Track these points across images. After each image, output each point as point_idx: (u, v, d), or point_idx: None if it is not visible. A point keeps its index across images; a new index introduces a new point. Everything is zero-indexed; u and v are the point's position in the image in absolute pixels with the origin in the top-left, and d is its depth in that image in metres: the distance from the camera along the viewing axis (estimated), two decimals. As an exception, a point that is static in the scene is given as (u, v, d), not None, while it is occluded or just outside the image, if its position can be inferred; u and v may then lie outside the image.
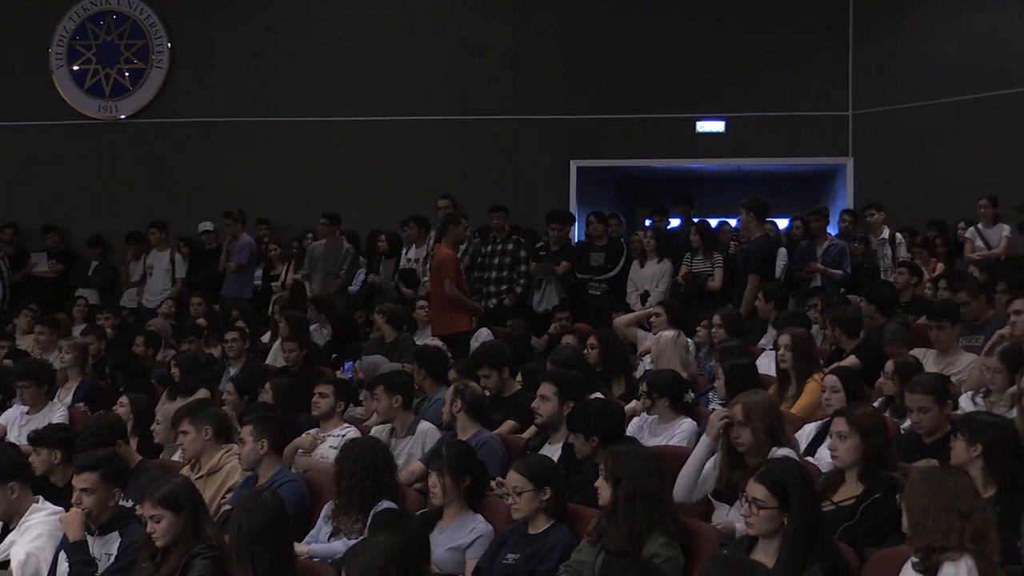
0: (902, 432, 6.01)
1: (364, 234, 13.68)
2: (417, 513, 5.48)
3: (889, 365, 6.71)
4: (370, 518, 5.24)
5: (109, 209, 14.87)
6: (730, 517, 5.14)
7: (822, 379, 6.70)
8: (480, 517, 5.41)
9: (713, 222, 12.91)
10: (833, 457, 5.14)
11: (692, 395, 6.94)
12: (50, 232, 14.82)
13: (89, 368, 9.40)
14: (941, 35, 13.91)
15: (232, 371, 9.48)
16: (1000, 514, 4.32)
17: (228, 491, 6.24)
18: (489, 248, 12.10)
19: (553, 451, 6.24)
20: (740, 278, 10.67)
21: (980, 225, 11.97)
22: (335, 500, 5.63)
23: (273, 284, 13.38)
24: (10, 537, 5.44)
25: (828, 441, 5.29)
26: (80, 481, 5.24)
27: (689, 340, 8.68)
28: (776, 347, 7.46)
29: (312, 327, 10.75)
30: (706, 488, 5.55)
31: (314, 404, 7.06)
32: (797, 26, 14.44)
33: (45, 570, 5.20)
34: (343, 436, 6.63)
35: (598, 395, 6.87)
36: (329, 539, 5.52)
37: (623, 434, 6.05)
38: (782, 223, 13.18)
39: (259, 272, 13.71)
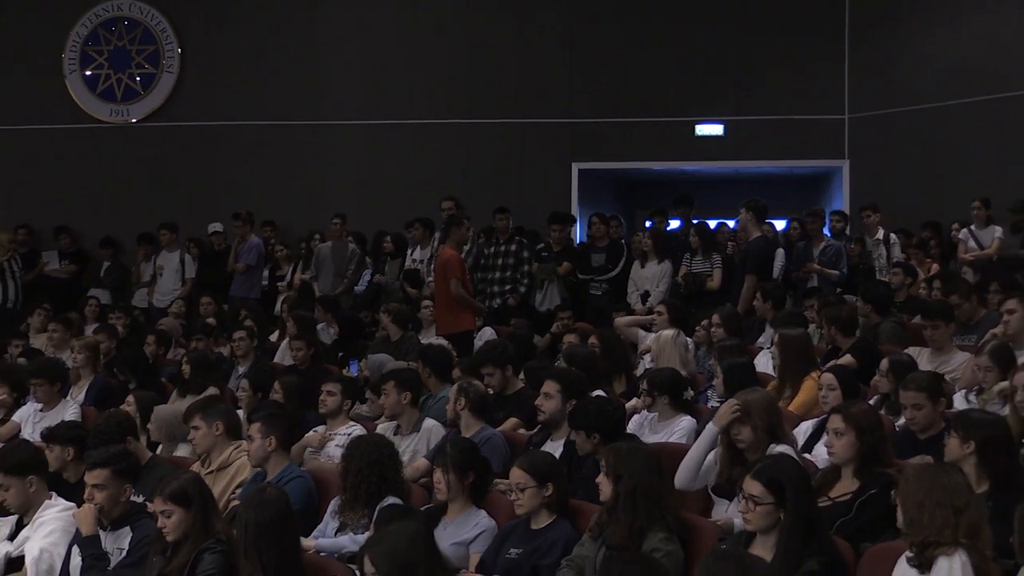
0: (897, 429, 6.01)
1: (369, 235, 13.70)
2: (422, 508, 5.48)
3: (884, 363, 6.71)
4: (376, 513, 5.24)
5: (120, 210, 14.89)
6: (729, 513, 5.14)
7: (819, 377, 6.70)
8: (484, 512, 5.40)
9: (712, 223, 12.90)
10: (830, 454, 5.13)
11: (691, 393, 6.94)
12: (63, 233, 14.84)
13: (101, 367, 9.39)
14: (935, 40, 13.91)
15: (240, 369, 9.48)
16: (993, 509, 4.32)
17: (238, 487, 6.24)
18: (492, 249, 12.12)
19: (555, 448, 6.23)
20: (738, 278, 10.67)
21: (973, 226, 11.97)
22: (341, 496, 5.63)
23: (279, 284, 13.40)
24: (24, 532, 5.46)
25: (825, 438, 5.29)
26: (92, 477, 5.24)
27: (688, 339, 8.68)
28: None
29: (319, 326, 10.76)
30: (708, 478, 5.55)
31: (321, 402, 7.07)
32: (795, 31, 14.44)
33: (59, 565, 5.21)
34: (349, 435, 6.62)
35: (600, 393, 6.86)
36: (336, 534, 5.53)
37: (624, 431, 6.05)
38: (780, 224, 13.17)
39: (265, 272, 13.73)
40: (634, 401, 6.94)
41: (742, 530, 4.53)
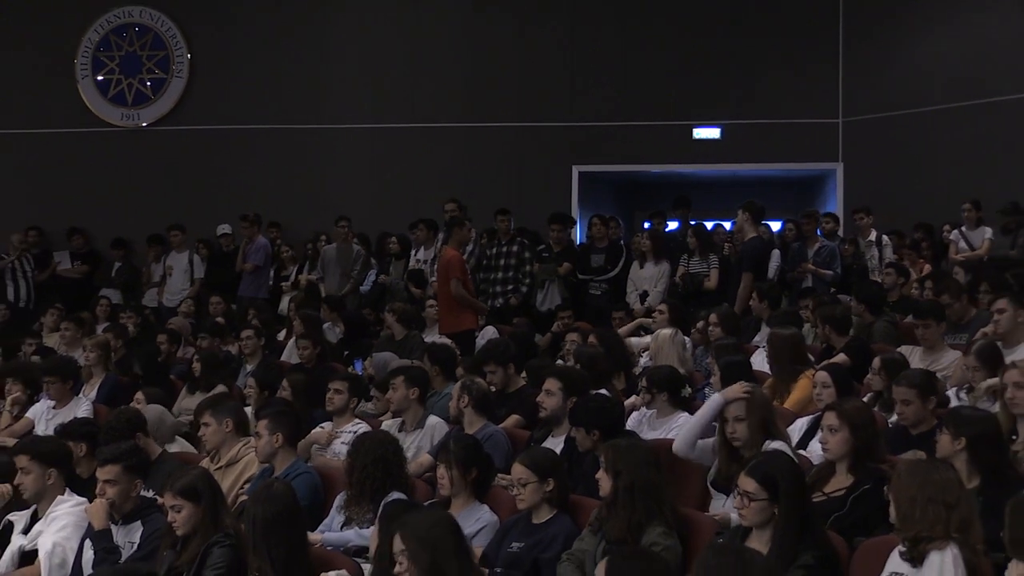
0: (890, 426, 6.01)
1: (374, 237, 13.70)
2: (426, 503, 5.48)
3: (876, 362, 6.73)
4: (381, 508, 5.23)
5: (131, 212, 14.89)
6: (726, 507, 5.14)
7: (813, 375, 6.71)
8: (486, 507, 5.41)
9: (709, 225, 12.90)
10: (824, 450, 5.14)
11: (689, 390, 6.95)
12: (75, 234, 14.86)
13: (112, 365, 9.40)
14: (927, 46, 13.91)
15: (248, 367, 9.48)
16: (983, 504, 4.32)
17: (246, 482, 6.23)
18: (494, 250, 12.12)
19: (556, 444, 6.23)
20: (734, 278, 10.73)
21: (964, 228, 11.99)
22: (347, 491, 5.63)
23: (283, 284, 13.40)
24: (37, 526, 5.46)
25: (819, 434, 5.29)
26: (103, 473, 5.25)
27: (686, 338, 8.68)
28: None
29: (325, 326, 10.76)
30: (705, 456, 5.60)
31: (329, 400, 7.06)
32: (790, 38, 14.44)
33: (71, 558, 5.21)
34: (355, 432, 6.61)
35: (603, 391, 6.86)
36: (342, 528, 5.52)
37: (623, 428, 6.05)
38: (775, 226, 13.17)
39: (271, 272, 13.74)
40: (633, 398, 6.95)
41: (738, 525, 4.53)
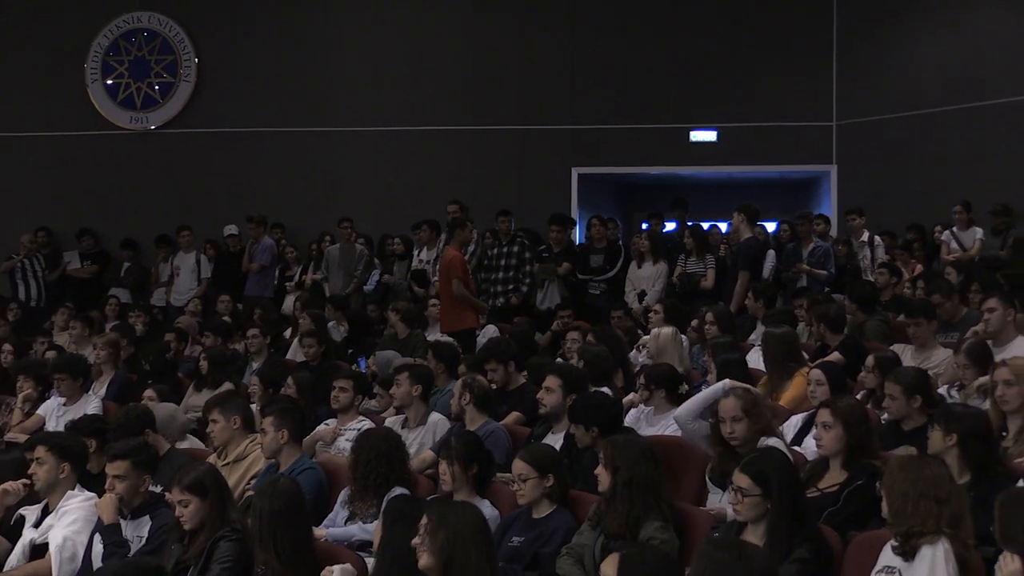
0: (883, 422, 6.01)
1: (376, 237, 13.71)
2: (428, 499, 5.47)
3: (870, 360, 6.73)
4: (384, 503, 5.24)
5: (140, 213, 14.90)
6: (722, 503, 5.14)
7: (808, 373, 6.71)
8: (487, 502, 5.39)
9: (705, 226, 12.90)
10: (818, 446, 5.14)
11: (686, 387, 6.94)
12: (85, 235, 14.86)
13: (121, 363, 9.40)
14: (919, 51, 13.91)
15: (254, 365, 9.48)
16: (974, 499, 4.32)
17: (252, 478, 6.23)
18: (495, 250, 12.12)
19: (556, 440, 6.24)
20: (730, 278, 10.77)
21: (955, 228, 12.01)
22: (351, 486, 5.63)
23: (288, 284, 13.40)
24: (48, 520, 5.46)
25: (814, 431, 5.29)
26: (113, 468, 5.25)
27: (683, 336, 8.69)
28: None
29: (329, 324, 10.76)
30: (700, 434, 5.62)
31: (334, 398, 7.07)
32: (784, 43, 14.44)
33: (81, 552, 5.21)
34: (359, 430, 6.60)
35: (605, 389, 6.86)
36: (346, 523, 5.53)
37: (621, 425, 6.05)
38: (770, 227, 13.17)
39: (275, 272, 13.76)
40: (631, 396, 6.95)
41: (734, 520, 4.53)
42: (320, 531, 5.32)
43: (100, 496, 5.35)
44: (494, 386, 7.43)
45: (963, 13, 13.71)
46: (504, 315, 11.43)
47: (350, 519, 5.53)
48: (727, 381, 5.78)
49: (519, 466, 5.13)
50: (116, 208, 15.05)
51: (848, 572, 4.33)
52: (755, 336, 9.17)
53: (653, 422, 6.57)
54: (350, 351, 10.14)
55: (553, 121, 14.77)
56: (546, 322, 11.04)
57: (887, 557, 4.06)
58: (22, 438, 7.36)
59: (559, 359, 8.59)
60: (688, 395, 6.90)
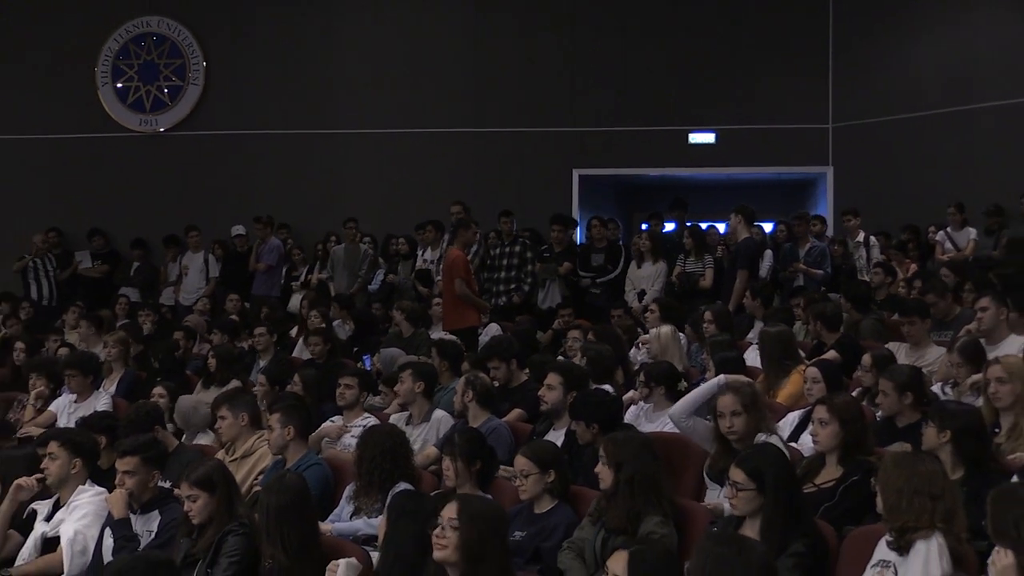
0: (878, 419, 6.02)
1: (381, 238, 13.71)
2: (432, 494, 5.48)
3: (867, 359, 6.72)
4: (388, 498, 5.24)
5: (149, 214, 14.89)
6: (720, 498, 5.13)
7: (804, 371, 6.71)
8: (489, 498, 5.40)
9: (704, 226, 12.90)
10: (815, 442, 5.14)
11: (685, 385, 6.94)
12: (96, 235, 14.87)
13: (131, 361, 9.41)
14: (913, 54, 13.90)
15: (261, 363, 9.49)
16: (967, 495, 4.33)
17: (259, 473, 6.25)
18: (498, 250, 12.12)
19: (557, 437, 6.24)
20: (727, 277, 10.80)
21: (949, 229, 12.01)
22: (356, 482, 5.62)
23: (293, 284, 13.41)
24: (59, 515, 5.47)
25: (810, 428, 5.30)
26: (123, 464, 5.25)
27: (681, 334, 8.68)
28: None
29: (335, 323, 10.77)
30: (696, 432, 5.61)
31: (339, 395, 7.07)
32: (782, 47, 14.43)
33: (92, 546, 5.22)
34: (364, 426, 6.60)
35: (607, 386, 6.86)
36: (351, 518, 5.53)
37: (621, 421, 6.05)
38: (767, 227, 13.17)
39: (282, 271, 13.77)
40: (631, 393, 6.95)
41: (731, 515, 4.53)
42: (326, 525, 5.33)
43: (110, 491, 5.36)
44: (496, 383, 7.43)
45: (957, 17, 13.69)
46: (506, 314, 11.43)
47: (355, 514, 5.53)
48: (722, 377, 5.79)
49: (521, 462, 5.13)
50: (126, 209, 15.06)
51: (844, 566, 4.33)
52: (753, 334, 9.18)
53: (652, 418, 6.57)
54: (355, 349, 10.14)
55: (554, 123, 14.77)
56: (547, 321, 11.04)
57: (882, 551, 4.06)
58: (36, 431, 7.39)
59: (560, 357, 8.58)
60: (686, 392, 6.94)
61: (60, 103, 15.39)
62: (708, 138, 14.67)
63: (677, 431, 6.06)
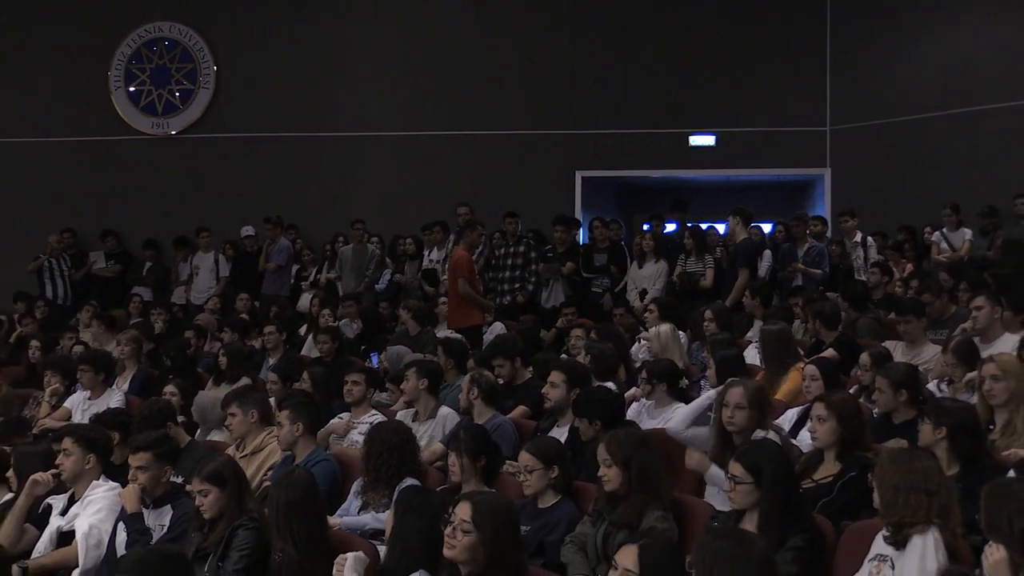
0: (874, 416, 6.02)
1: (388, 238, 13.72)
2: (438, 489, 5.49)
3: (866, 357, 6.73)
4: (395, 493, 5.25)
5: (161, 215, 14.91)
6: (719, 495, 5.11)
7: (803, 369, 6.71)
8: (494, 493, 5.40)
9: (704, 227, 12.90)
10: (813, 439, 5.14)
11: (686, 382, 6.95)
12: (109, 236, 14.89)
13: (144, 358, 9.43)
14: (910, 59, 13.89)
15: (271, 361, 9.49)
16: (962, 490, 4.32)
17: (269, 469, 6.25)
18: (502, 250, 12.11)
19: (561, 433, 6.24)
20: (727, 278, 10.84)
21: (945, 230, 12.00)
22: (364, 477, 5.63)
23: (303, 283, 13.42)
24: (74, 509, 5.48)
25: (809, 424, 5.29)
26: (135, 460, 5.26)
27: (682, 333, 8.68)
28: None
29: (343, 322, 10.78)
30: (693, 439, 5.60)
31: (347, 391, 7.07)
32: (780, 51, 14.43)
33: (106, 539, 5.23)
34: (371, 423, 6.61)
35: (610, 384, 6.86)
36: (359, 512, 5.53)
37: (623, 418, 6.05)
38: (766, 228, 13.16)
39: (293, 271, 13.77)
40: (633, 390, 6.95)
41: (732, 509, 4.53)
42: (334, 520, 5.33)
43: (124, 486, 5.37)
44: (501, 381, 7.44)
45: (954, 21, 13.68)
46: (511, 313, 11.44)
47: (363, 508, 5.54)
48: (713, 391, 5.77)
49: (525, 458, 5.14)
50: (138, 210, 15.07)
51: (841, 560, 4.33)
52: (752, 333, 9.17)
53: (654, 415, 6.58)
54: (363, 347, 10.14)
55: (558, 126, 14.77)
56: (551, 320, 11.05)
57: (879, 546, 4.06)
58: (57, 424, 7.41)
59: (563, 355, 8.59)
60: (688, 389, 6.95)
61: (75, 107, 15.41)
62: (708, 140, 14.67)
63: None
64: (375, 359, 9.33)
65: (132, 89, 15.60)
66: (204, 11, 15.54)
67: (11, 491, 5.86)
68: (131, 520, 5.14)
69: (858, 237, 11.87)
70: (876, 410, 6.06)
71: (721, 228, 12.83)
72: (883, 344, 7.57)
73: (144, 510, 5.20)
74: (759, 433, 5.27)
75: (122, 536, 5.14)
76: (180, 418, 7.34)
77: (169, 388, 7.81)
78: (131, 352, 9.13)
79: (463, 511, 3.97)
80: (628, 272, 11.91)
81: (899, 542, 3.94)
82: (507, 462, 5.83)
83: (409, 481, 5.43)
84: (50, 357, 9.36)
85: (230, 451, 6.32)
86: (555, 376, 6.51)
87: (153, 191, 15.17)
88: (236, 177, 15.15)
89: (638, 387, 6.84)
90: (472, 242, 10.53)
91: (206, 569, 4.67)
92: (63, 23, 15.46)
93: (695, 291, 11.24)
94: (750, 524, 4.32)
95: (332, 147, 15.15)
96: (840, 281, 10.94)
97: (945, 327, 8.22)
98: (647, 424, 6.33)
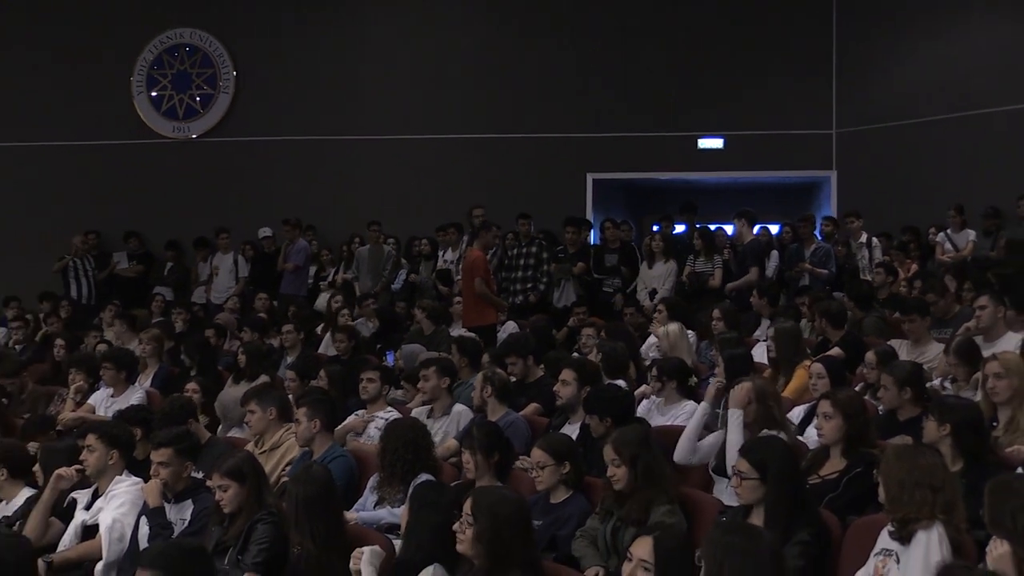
0: (880, 413, 6.00)
1: (403, 239, 13.73)
2: (452, 485, 5.49)
3: (871, 356, 6.71)
4: (411, 489, 5.24)
5: (182, 217, 14.96)
6: (727, 491, 5.09)
7: (809, 366, 6.69)
8: (504, 488, 5.39)
9: (712, 228, 12.88)
10: (819, 435, 5.13)
11: (695, 380, 6.94)
12: (131, 237, 14.95)
13: (165, 356, 9.45)
14: (913, 63, 13.84)
15: (289, 359, 9.50)
16: (966, 486, 4.30)
17: (287, 465, 6.25)
18: (515, 251, 12.12)
19: (572, 430, 6.23)
20: (735, 277, 10.90)
21: (949, 231, 11.96)
22: (380, 473, 5.63)
23: (321, 284, 13.43)
24: (98, 503, 5.50)
25: (815, 421, 5.28)
26: (157, 455, 5.28)
27: (690, 331, 8.66)
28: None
29: (359, 321, 10.79)
30: (709, 457, 5.56)
31: (362, 389, 7.08)
32: (787, 55, 14.41)
33: (128, 533, 5.24)
34: (387, 419, 6.61)
35: (621, 381, 6.85)
36: (375, 507, 5.53)
37: (633, 416, 6.04)
38: (774, 228, 13.13)
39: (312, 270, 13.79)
40: (643, 387, 6.94)
41: (740, 505, 4.53)
42: (351, 515, 5.33)
43: (146, 481, 5.39)
44: (514, 379, 7.43)
45: (957, 25, 13.62)
46: (523, 312, 11.43)
47: (379, 503, 5.53)
48: (705, 405, 5.74)
49: (537, 454, 5.14)
50: (160, 212, 15.12)
51: (848, 554, 4.32)
52: (759, 332, 9.16)
53: (664, 412, 6.57)
54: (379, 346, 10.15)
55: (569, 129, 14.77)
56: (562, 319, 11.04)
57: (884, 540, 4.05)
58: (89, 417, 7.43)
59: (575, 354, 8.58)
60: (697, 387, 6.93)
61: (98, 112, 15.47)
62: (716, 143, 14.65)
63: (687, 425, 6.06)
64: (391, 357, 9.34)
65: (154, 94, 15.65)
66: (224, 17, 15.59)
67: (37, 486, 5.89)
68: (153, 514, 5.16)
69: (863, 238, 11.85)
70: (881, 407, 6.05)
71: (729, 229, 12.80)
72: (888, 343, 7.54)
73: (166, 504, 5.22)
74: (767, 431, 5.25)
75: (144, 530, 5.16)
76: (202, 417, 7.37)
77: (191, 385, 7.83)
78: (153, 350, 9.15)
79: (467, 505, 3.99)
80: (639, 272, 11.89)
81: (904, 537, 3.93)
82: (520, 458, 5.83)
83: (424, 477, 5.43)
84: (74, 355, 9.38)
85: (249, 447, 6.33)
86: (567, 374, 6.50)
87: (174, 193, 15.21)
88: (255, 179, 15.18)
89: (648, 384, 6.83)
90: (487, 243, 10.53)
91: (226, 562, 4.67)
92: (86, 30, 15.52)
93: (704, 291, 11.22)
94: (757, 519, 4.31)
95: (349, 150, 15.17)
96: (846, 281, 10.91)
97: (949, 326, 8.19)
98: (657, 420, 6.33)
